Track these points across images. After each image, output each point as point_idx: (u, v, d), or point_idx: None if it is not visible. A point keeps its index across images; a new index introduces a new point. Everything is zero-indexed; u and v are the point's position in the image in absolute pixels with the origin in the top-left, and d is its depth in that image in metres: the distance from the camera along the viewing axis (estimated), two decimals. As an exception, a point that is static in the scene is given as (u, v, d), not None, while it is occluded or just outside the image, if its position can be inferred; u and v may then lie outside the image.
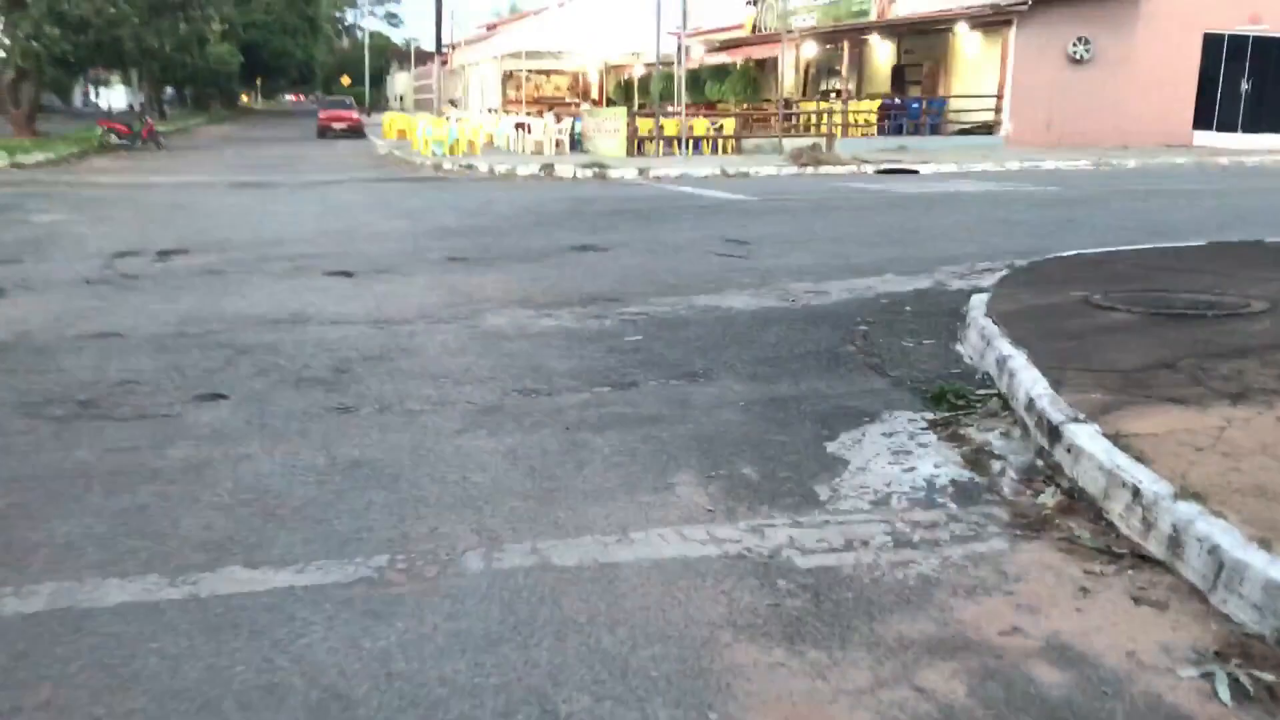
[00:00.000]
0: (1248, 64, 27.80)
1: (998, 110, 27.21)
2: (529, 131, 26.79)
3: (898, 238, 10.84)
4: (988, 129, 27.51)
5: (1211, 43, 27.65)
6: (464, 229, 11.66)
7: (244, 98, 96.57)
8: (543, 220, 12.43)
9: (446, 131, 25.50)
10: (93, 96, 67.67)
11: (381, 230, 11.60)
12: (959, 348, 5.91)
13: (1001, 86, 27.03)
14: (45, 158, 24.29)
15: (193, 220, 12.66)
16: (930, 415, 4.62)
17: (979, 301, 6.41)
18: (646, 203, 14.72)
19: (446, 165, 22.95)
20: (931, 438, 4.34)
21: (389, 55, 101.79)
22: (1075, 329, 5.57)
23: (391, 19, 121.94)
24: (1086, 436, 3.74)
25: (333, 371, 5.45)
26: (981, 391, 4.93)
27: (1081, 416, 3.92)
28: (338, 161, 26.05)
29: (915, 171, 21.55)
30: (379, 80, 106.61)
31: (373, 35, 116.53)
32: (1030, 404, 4.28)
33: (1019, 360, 4.82)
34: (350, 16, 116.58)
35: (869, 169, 21.81)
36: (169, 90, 62.71)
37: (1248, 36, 27.67)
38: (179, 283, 8.21)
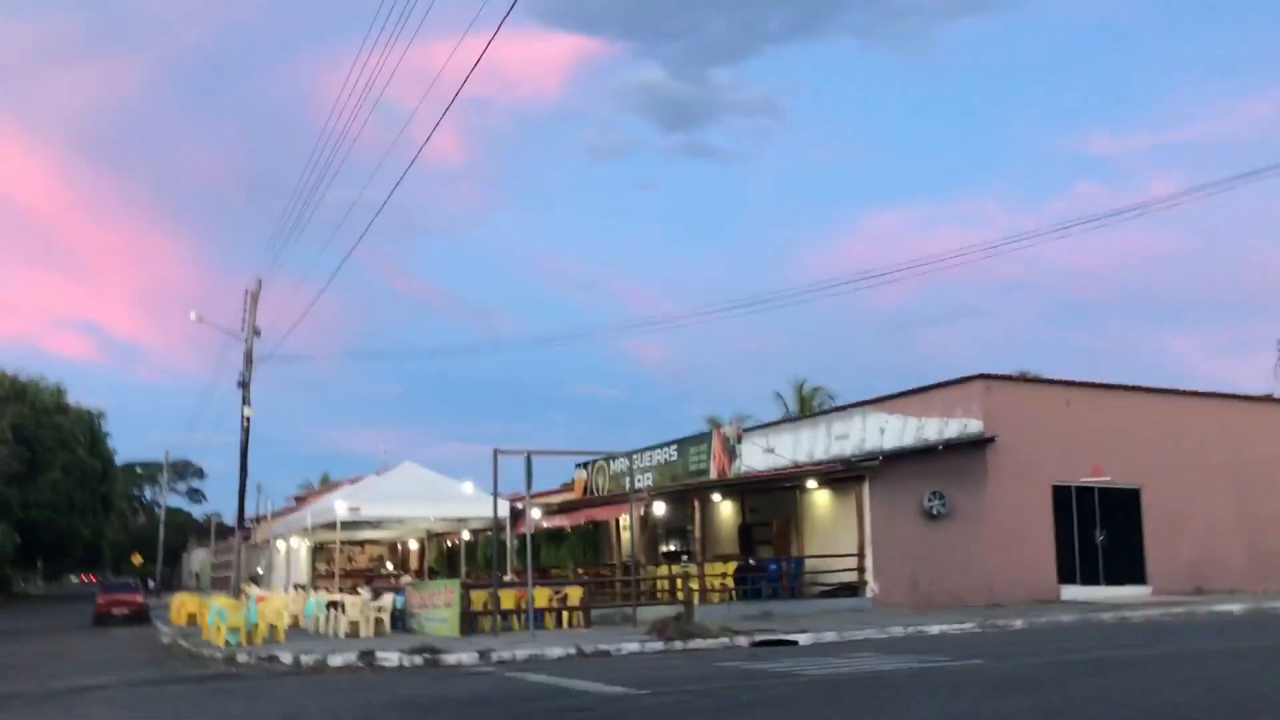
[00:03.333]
0: (1098, 514, 27.41)
1: (861, 570, 25.43)
2: (343, 610, 23.17)
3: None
4: (851, 590, 25.54)
5: (1060, 494, 27.30)
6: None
7: (19, 582, 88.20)
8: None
9: (243, 615, 21.63)
10: None
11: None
12: None
13: (861, 545, 25.46)
14: None
15: None
16: None
17: None
18: (503, 704, 11.35)
19: (242, 657, 18.92)
20: None
21: (186, 531, 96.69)
22: None
23: (194, 495, 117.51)
24: None
25: None
26: None
27: None
28: (106, 657, 21.60)
29: (794, 642, 18.95)
30: (176, 558, 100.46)
31: (172, 511, 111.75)
32: None
33: None
34: (150, 492, 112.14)
35: (742, 640, 19.07)
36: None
37: (1093, 488, 27.49)
38: None
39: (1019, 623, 21.13)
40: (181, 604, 31.93)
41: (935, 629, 20.39)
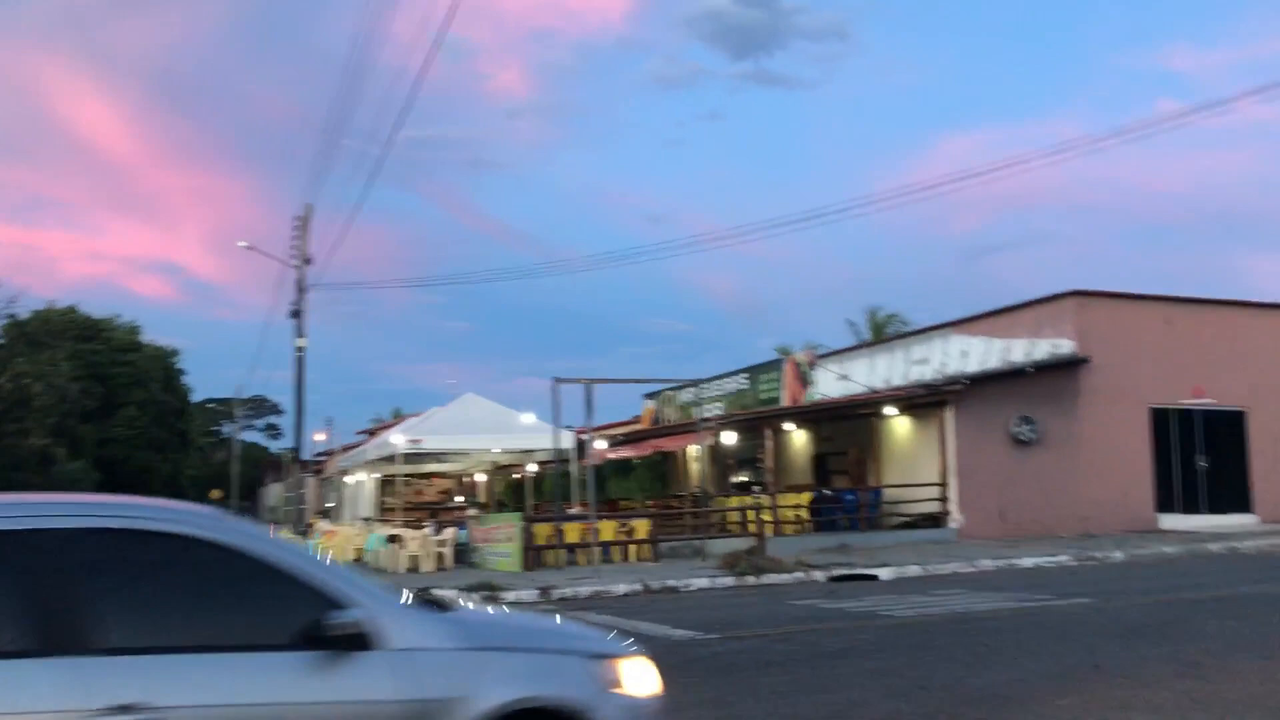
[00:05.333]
0: (1199, 438, 25.55)
1: (943, 500, 24.00)
2: (403, 545, 22.43)
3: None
4: (934, 521, 24.16)
5: (1159, 418, 25.50)
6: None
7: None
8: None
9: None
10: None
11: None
12: None
13: (944, 474, 24.00)
14: None
15: None
16: None
17: None
18: (559, 651, 10.27)
19: (296, 594, 18.20)
20: None
21: (264, 466, 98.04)
22: None
23: (271, 430, 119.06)
24: None
25: None
26: None
27: None
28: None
29: (874, 578, 17.73)
30: (254, 492, 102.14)
31: (250, 446, 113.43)
32: None
33: None
34: (230, 429, 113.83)
35: (818, 575, 17.90)
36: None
37: (1195, 411, 25.64)
38: None
39: (1119, 555, 19.65)
40: (250, 539, 31.58)
41: (1027, 562, 19.02)
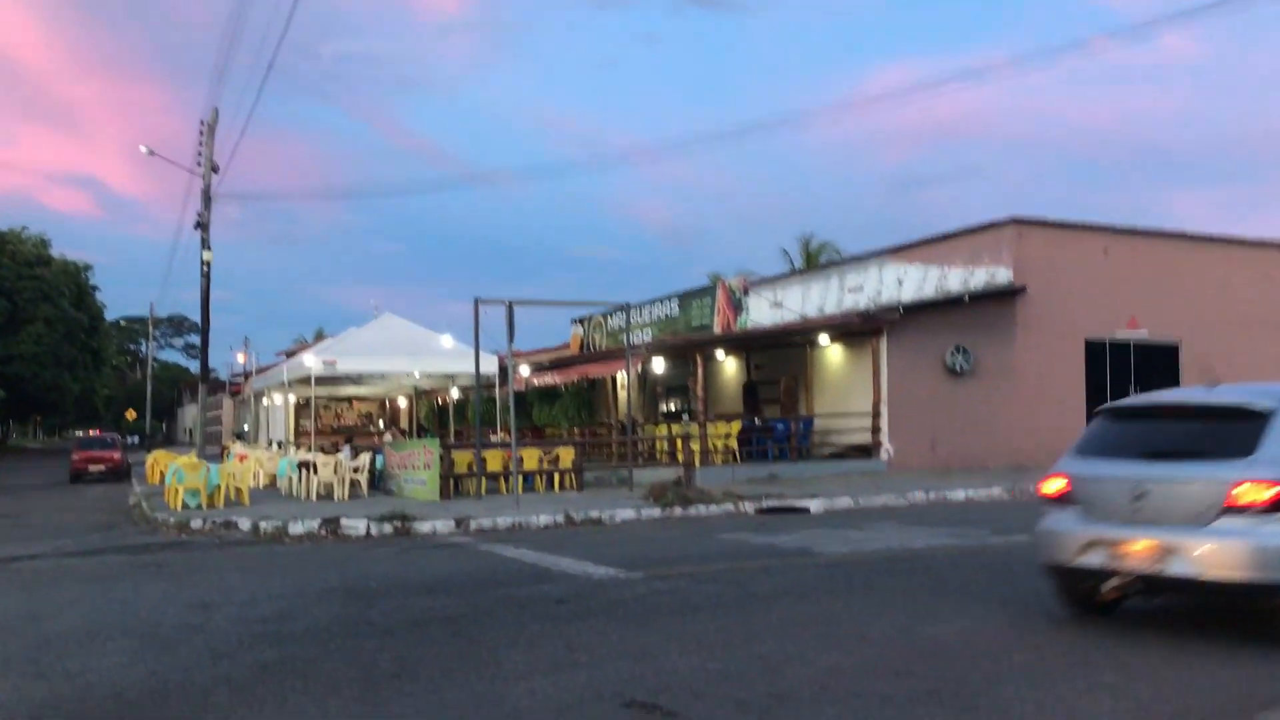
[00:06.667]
0: (1133, 371, 25.30)
1: (875, 430, 23.51)
2: (315, 471, 21.36)
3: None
4: (865, 452, 23.69)
5: (1094, 350, 25.20)
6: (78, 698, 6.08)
7: (15, 436, 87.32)
8: (273, 664, 6.89)
9: (204, 477, 19.81)
10: None
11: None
12: None
13: (876, 404, 23.48)
14: None
15: None
16: None
17: None
18: (465, 591, 9.43)
19: (196, 523, 17.11)
20: None
21: (182, 386, 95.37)
22: None
23: (191, 350, 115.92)
24: None
25: None
26: None
27: None
28: (59, 521, 19.84)
29: (805, 510, 17.15)
30: (172, 413, 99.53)
31: (169, 367, 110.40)
32: None
33: None
34: (147, 348, 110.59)
35: (748, 506, 17.29)
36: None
37: (1129, 343, 25.36)
38: None
39: (1051, 488, 19.29)
40: (155, 461, 30.28)
41: (960, 494, 18.63)
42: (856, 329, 24.01)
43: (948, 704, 5.42)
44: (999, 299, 24.30)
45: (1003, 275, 24.51)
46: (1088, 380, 25.05)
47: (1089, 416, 23.88)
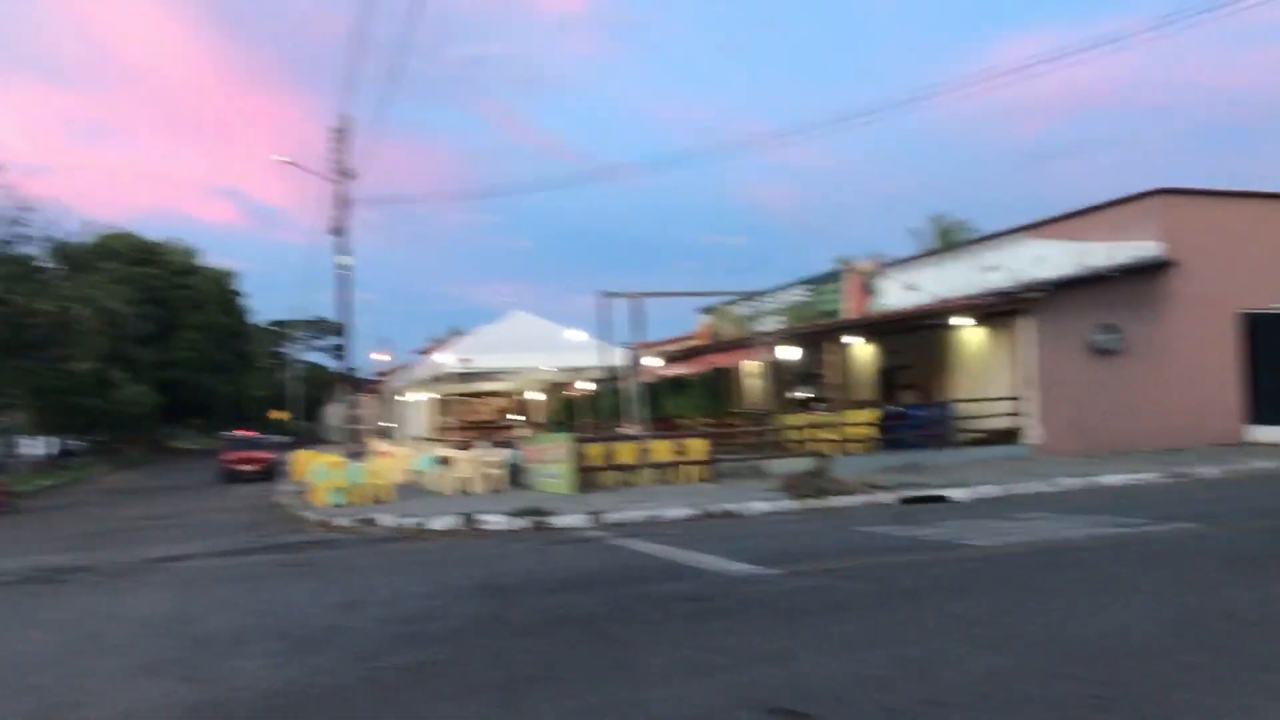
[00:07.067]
0: (1292, 346, 23.83)
1: (1018, 415, 22.68)
2: (454, 466, 21.69)
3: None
4: (1009, 437, 22.90)
5: (1249, 324, 23.83)
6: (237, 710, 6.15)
7: (171, 438, 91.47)
8: (414, 666, 6.90)
9: (347, 475, 20.31)
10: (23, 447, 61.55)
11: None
12: None
13: (1019, 387, 22.66)
14: None
15: None
16: None
17: None
18: (601, 588, 9.34)
19: (340, 521, 17.55)
20: None
21: (326, 386, 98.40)
22: None
23: (337, 351, 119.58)
24: None
25: None
26: None
27: None
28: (210, 520, 20.63)
29: (947, 499, 16.61)
30: (317, 412, 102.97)
31: (316, 367, 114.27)
32: None
33: None
34: (291, 350, 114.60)
35: (887, 497, 16.82)
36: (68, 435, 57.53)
37: (1286, 315, 23.91)
38: None
39: (1214, 471, 18.32)
40: (301, 461, 31.26)
41: (1113, 480, 17.76)
42: (996, 310, 23.21)
43: (1116, 711, 5.06)
44: (1146, 274, 23.17)
45: (1150, 249, 23.35)
46: (1242, 355, 23.69)
47: (1245, 393, 22.62)
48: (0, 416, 33.65)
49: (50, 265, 26.12)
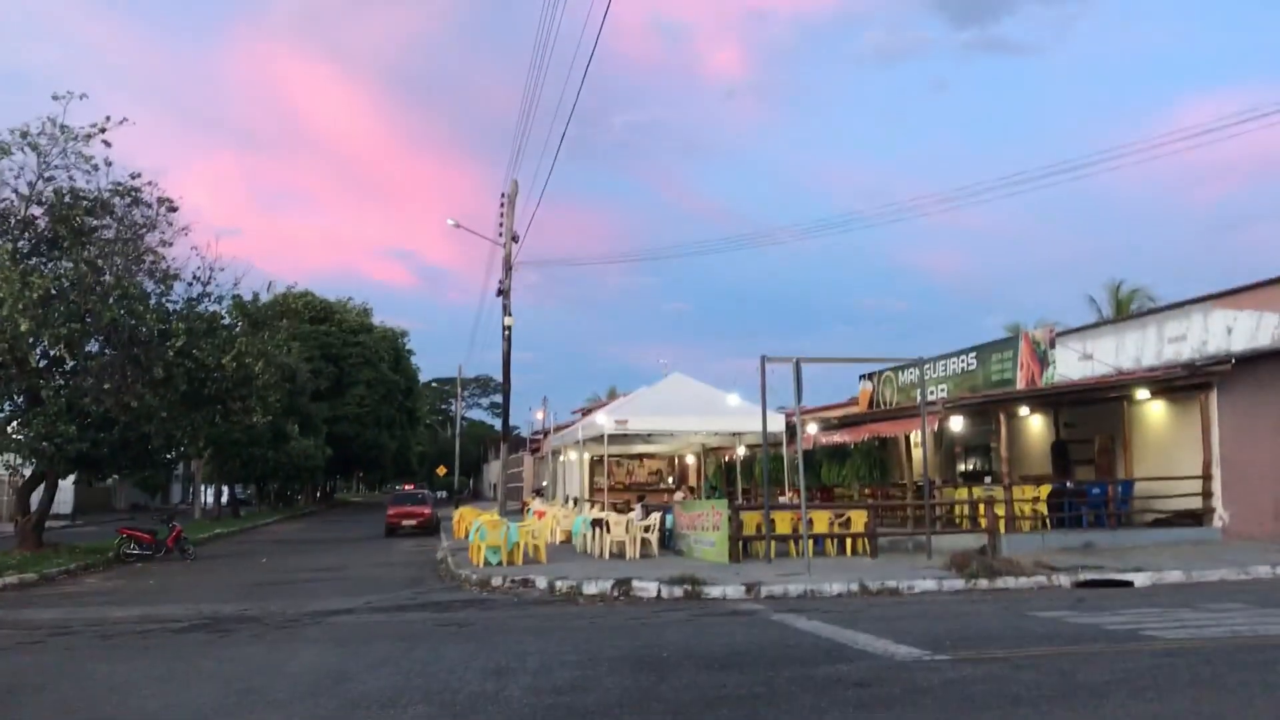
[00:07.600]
0: None
1: (1206, 495, 21.24)
2: (608, 530, 21.60)
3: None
4: (1194, 518, 21.43)
5: None
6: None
7: (338, 490, 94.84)
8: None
9: (504, 534, 20.45)
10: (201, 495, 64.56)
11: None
12: None
13: (1207, 465, 21.25)
14: (17, 579, 20.03)
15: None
16: None
17: None
18: (758, 667, 8.97)
19: (496, 580, 17.63)
20: None
21: (487, 443, 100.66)
22: None
23: (495, 408, 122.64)
24: None
25: None
26: None
27: None
28: (372, 575, 21.02)
29: (1129, 583, 15.57)
30: (478, 469, 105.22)
31: (476, 424, 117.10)
32: None
33: None
34: (455, 407, 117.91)
35: (1062, 579, 15.88)
36: (243, 485, 60.15)
37: None
38: None
39: None
40: (461, 518, 31.76)
41: (1314, 570, 16.34)
42: (1181, 382, 21.89)
43: None
44: (1351, 346, 21.46)
45: (1355, 319, 21.65)
46: None
47: None
48: (180, 466, 35.32)
49: (233, 322, 27.42)
